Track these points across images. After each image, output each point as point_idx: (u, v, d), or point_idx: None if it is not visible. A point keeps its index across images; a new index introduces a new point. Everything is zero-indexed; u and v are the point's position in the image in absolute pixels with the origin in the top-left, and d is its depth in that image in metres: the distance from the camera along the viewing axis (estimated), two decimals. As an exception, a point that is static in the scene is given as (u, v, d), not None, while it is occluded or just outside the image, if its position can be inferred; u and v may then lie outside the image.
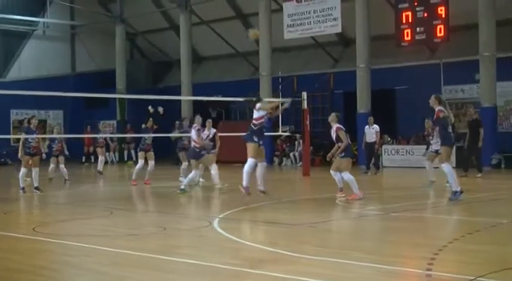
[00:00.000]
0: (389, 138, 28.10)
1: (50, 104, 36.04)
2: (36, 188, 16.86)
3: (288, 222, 10.97)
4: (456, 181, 13.61)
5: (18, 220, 12.35)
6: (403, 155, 26.89)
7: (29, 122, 17.13)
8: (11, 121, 36.23)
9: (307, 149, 23.11)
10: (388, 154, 27.27)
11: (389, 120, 29.16)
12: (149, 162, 18.92)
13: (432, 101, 13.61)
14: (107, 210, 12.90)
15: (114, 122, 36.99)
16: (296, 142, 29.85)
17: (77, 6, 39.40)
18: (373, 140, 22.44)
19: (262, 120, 14.34)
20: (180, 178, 18.95)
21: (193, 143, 16.29)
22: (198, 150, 16.15)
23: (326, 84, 31.30)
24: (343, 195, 14.31)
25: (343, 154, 14.17)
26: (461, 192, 13.53)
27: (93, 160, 33.32)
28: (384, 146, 27.34)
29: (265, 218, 11.74)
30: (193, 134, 16.29)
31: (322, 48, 32.76)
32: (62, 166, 20.40)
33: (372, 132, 22.51)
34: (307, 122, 22.66)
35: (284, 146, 30.67)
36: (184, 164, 19.14)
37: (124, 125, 35.10)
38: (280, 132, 24.93)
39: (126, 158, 34.52)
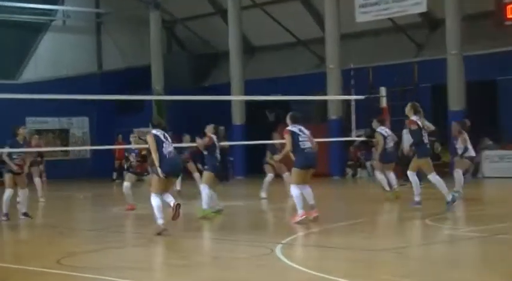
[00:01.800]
0: (490, 142, 27.67)
1: (72, 110, 36.59)
2: (25, 214, 16.64)
3: (365, 247, 10.89)
4: (419, 192, 16.03)
5: (40, 250, 12.51)
6: (509, 162, 26.44)
7: (15, 132, 16.61)
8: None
9: (387, 158, 22.87)
10: (490, 162, 26.87)
11: (489, 119, 28.74)
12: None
13: (407, 109, 16.05)
14: (145, 237, 13.02)
15: (151, 129, 37.34)
16: (373, 149, 29.59)
17: (102, -10, 40.11)
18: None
19: None
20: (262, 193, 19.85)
21: None
22: None
23: (409, 77, 31.02)
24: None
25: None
26: (419, 203, 15.96)
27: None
28: (484, 152, 26.93)
29: (338, 243, 11.68)
30: None
31: (403, 32, 32.50)
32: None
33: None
34: (387, 123, 22.47)
35: (358, 154, 30.49)
36: (269, 176, 20.09)
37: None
38: (353, 138, 24.75)
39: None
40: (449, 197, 15.32)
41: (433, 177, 15.55)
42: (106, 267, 10.11)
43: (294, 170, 14.25)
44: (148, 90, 36.22)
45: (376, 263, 9.75)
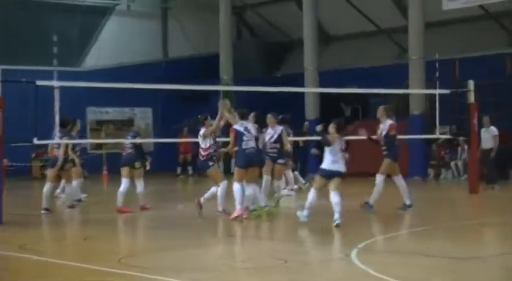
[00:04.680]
0: None
1: (136, 100, 36.89)
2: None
3: (450, 255, 10.84)
4: (377, 195, 16.45)
5: (101, 248, 12.74)
6: None
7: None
8: (88, 122, 37.22)
9: (474, 157, 22.69)
10: None
11: None
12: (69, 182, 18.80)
13: (380, 112, 17.00)
14: (213, 236, 13.15)
15: (218, 121, 37.52)
16: (459, 148, 29.35)
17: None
18: (490, 146, 23.39)
19: (210, 150, 16.26)
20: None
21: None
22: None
23: (500, 70, 30.63)
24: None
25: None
26: (410, 206, 16.56)
27: (190, 172, 33.92)
28: None
29: (420, 250, 11.64)
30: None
31: (495, 20, 32.08)
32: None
33: (487, 137, 23.44)
34: (475, 121, 22.26)
35: (442, 153, 30.22)
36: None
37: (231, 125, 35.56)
38: (437, 135, 24.56)
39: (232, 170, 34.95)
40: (407, 201, 16.62)
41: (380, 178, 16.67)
42: (167, 268, 10.21)
43: (236, 168, 15.83)
44: (216, 79, 36.34)
45: (461, 273, 9.69)
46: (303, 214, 14.67)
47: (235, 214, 15.29)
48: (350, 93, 31.80)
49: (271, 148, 17.46)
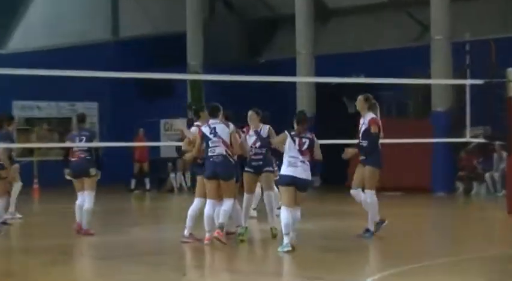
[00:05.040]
0: None
1: (77, 92, 36.88)
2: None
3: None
4: (375, 216, 16.42)
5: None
6: None
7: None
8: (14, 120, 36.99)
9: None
10: None
11: None
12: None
13: (360, 104, 17.12)
14: (177, 269, 13.16)
15: (186, 120, 37.47)
16: (495, 155, 29.38)
17: None
18: None
19: None
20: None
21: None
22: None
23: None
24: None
25: None
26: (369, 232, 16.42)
27: (148, 186, 33.78)
28: None
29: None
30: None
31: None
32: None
33: None
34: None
35: (474, 162, 30.26)
36: None
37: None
38: (467, 139, 24.57)
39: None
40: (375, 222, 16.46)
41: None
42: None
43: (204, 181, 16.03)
44: (181, 66, 36.32)
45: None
46: (283, 246, 14.63)
47: (205, 241, 15.51)
48: (355, 84, 31.84)
49: (255, 155, 17.10)
